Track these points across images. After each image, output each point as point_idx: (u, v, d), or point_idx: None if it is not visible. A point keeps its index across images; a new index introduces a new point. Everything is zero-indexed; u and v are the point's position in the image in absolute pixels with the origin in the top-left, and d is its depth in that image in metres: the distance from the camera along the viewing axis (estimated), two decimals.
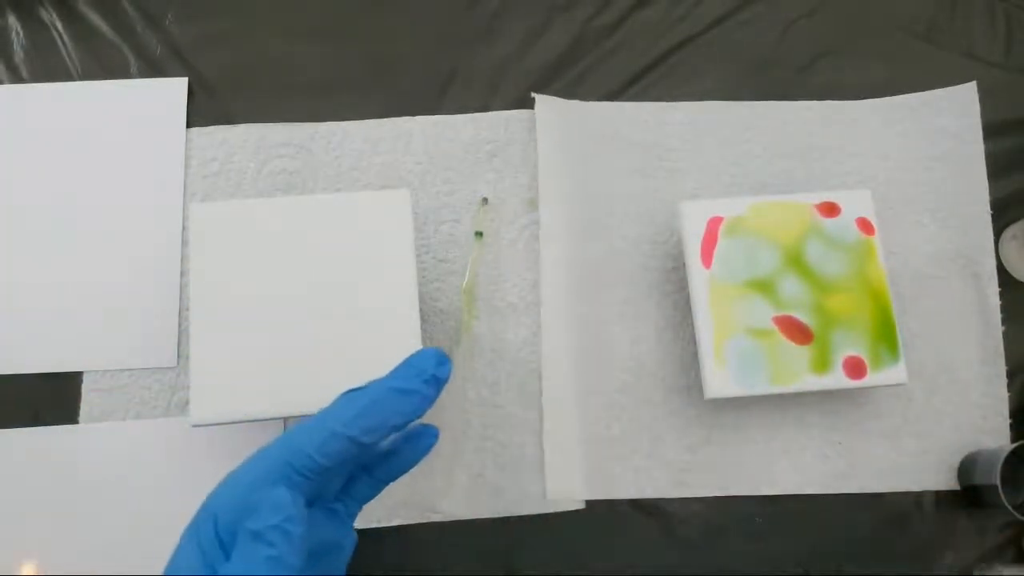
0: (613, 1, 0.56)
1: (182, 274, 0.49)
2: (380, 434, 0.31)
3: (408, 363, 0.33)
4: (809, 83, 0.54)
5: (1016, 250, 0.51)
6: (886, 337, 0.45)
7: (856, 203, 0.47)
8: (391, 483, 0.36)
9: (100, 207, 0.50)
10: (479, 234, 0.50)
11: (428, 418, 0.47)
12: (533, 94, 0.53)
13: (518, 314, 0.49)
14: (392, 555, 0.46)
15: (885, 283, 0.46)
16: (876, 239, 0.47)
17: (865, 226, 0.47)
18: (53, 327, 0.48)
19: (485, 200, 0.50)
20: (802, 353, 0.45)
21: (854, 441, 0.48)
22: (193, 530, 0.29)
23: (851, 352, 0.45)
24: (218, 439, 0.46)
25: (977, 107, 0.53)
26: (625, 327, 0.49)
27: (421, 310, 0.43)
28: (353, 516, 0.35)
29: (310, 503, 0.31)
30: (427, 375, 0.32)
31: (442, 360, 0.33)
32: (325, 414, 0.31)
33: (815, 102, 0.54)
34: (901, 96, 0.54)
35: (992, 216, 0.52)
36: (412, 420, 0.32)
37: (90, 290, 0.49)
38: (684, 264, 0.47)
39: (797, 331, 0.45)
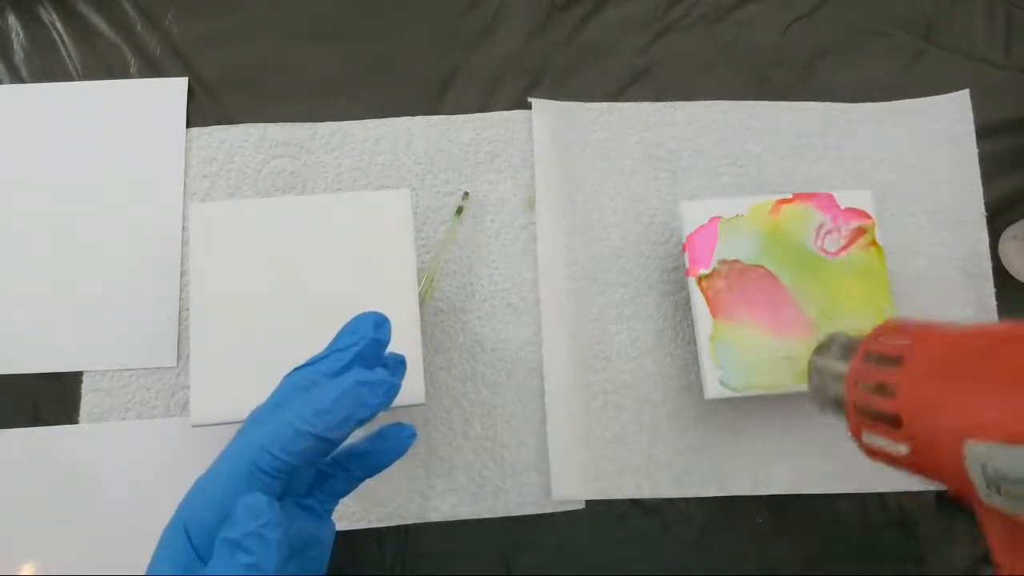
0: (612, 1, 0.56)
1: (182, 274, 0.49)
2: (347, 429, 0.30)
3: (347, 330, 0.33)
4: (808, 83, 0.55)
5: (1016, 250, 0.51)
6: None
7: (856, 203, 0.47)
8: (370, 479, 0.36)
9: (100, 207, 0.50)
10: (459, 211, 0.50)
11: (428, 417, 0.47)
12: (530, 99, 0.53)
13: (518, 314, 0.50)
14: (392, 555, 0.46)
15: (886, 282, 0.46)
16: (877, 235, 0.47)
17: (866, 221, 0.47)
18: (53, 327, 0.48)
19: (466, 194, 0.51)
20: (802, 353, 0.45)
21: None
22: (166, 542, 0.29)
23: None
24: (218, 439, 0.46)
25: (971, 113, 0.53)
26: (625, 327, 0.49)
27: (420, 310, 0.43)
28: (329, 512, 0.35)
29: (279, 498, 0.30)
30: (367, 339, 0.32)
31: (380, 322, 0.33)
32: (285, 409, 0.30)
33: (814, 103, 0.54)
34: (897, 102, 0.54)
35: (992, 215, 0.52)
36: (379, 412, 0.31)
37: (90, 290, 0.49)
38: (684, 264, 0.47)
39: (797, 331, 0.45)
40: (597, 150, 0.52)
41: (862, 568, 0.47)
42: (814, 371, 0.37)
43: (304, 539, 0.32)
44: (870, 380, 0.31)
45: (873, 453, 0.32)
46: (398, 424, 0.35)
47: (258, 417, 0.31)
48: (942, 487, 0.47)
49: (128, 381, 0.48)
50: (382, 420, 0.36)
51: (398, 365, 0.33)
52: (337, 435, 0.30)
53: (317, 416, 0.29)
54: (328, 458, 0.34)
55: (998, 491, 0.25)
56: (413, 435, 0.35)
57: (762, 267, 0.46)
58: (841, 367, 0.34)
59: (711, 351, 0.45)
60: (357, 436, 0.34)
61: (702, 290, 0.46)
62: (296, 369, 0.33)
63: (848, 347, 0.35)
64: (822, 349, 0.37)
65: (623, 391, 0.48)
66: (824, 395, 0.36)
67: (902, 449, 0.30)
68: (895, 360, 0.30)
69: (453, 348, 0.49)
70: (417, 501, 0.47)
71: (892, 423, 0.30)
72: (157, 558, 0.29)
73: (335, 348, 0.33)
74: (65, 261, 0.49)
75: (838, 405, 0.34)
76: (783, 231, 0.47)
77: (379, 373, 0.31)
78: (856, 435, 0.33)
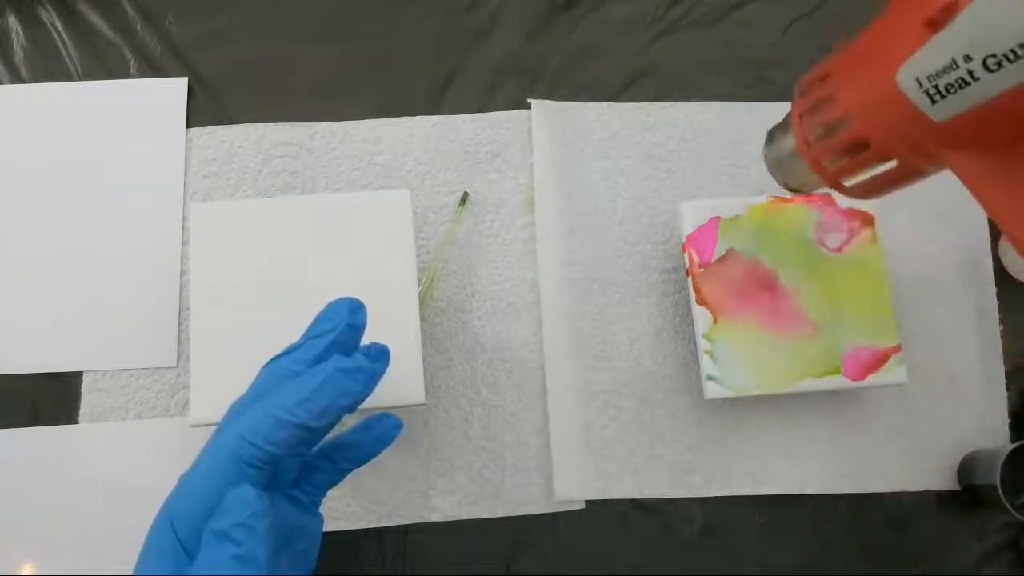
0: (612, 1, 0.56)
1: (182, 274, 0.49)
2: (329, 418, 0.30)
3: (322, 317, 0.34)
4: None
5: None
6: (886, 336, 0.45)
7: (857, 202, 0.47)
8: (364, 471, 0.36)
9: (100, 207, 0.50)
10: (464, 201, 0.50)
11: (428, 417, 0.47)
12: (529, 100, 0.53)
13: (518, 314, 0.50)
14: (392, 555, 0.46)
15: (886, 282, 0.46)
16: (877, 233, 0.47)
17: (865, 220, 0.47)
18: (53, 327, 0.48)
19: (466, 195, 0.51)
20: (802, 353, 0.45)
21: (854, 441, 0.48)
22: (152, 539, 0.29)
23: (851, 352, 0.45)
24: None
25: None
26: (625, 327, 0.49)
27: (420, 310, 0.43)
28: (317, 503, 0.35)
29: (265, 489, 0.30)
30: (342, 325, 0.33)
31: (355, 308, 0.33)
32: (265, 399, 0.30)
33: None
34: None
35: None
36: (361, 399, 0.31)
37: (90, 290, 0.49)
38: (684, 264, 0.47)
39: (797, 331, 0.45)
40: (597, 150, 0.52)
41: (862, 568, 0.47)
42: (773, 166, 0.38)
43: (292, 530, 0.32)
44: (818, 129, 0.33)
45: (867, 191, 0.34)
46: (384, 414, 0.35)
47: (238, 409, 0.31)
48: (941, 487, 0.47)
49: (128, 381, 0.48)
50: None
51: (380, 354, 0.33)
52: (320, 424, 0.30)
53: (298, 405, 0.29)
54: (314, 449, 0.34)
55: (941, 96, 0.26)
56: (399, 425, 0.35)
57: (762, 267, 0.46)
58: (790, 141, 0.36)
59: (711, 351, 0.45)
60: (344, 426, 0.34)
61: (702, 290, 0.46)
62: (273, 359, 0.33)
63: (787, 122, 0.37)
64: (767, 143, 0.38)
65: (623, 391, 0.48)
66: (795, 180, 0.37)
67: (887, 165, 0.32)
68: (828, 99, 0.32)
69: (453, 348, 0.49)
70: (417, 501, 0.47)
71: (861, 147, 0.31)
72: (144, 556, 0.29)
73: (311, 335, 0.33)
74: (65, 261, 0.49)
75: (810, 176, 0.36)
76: (783, 231, 0.47)
77: (358, 360, 0.31)
78: (839, 188, 0.34)
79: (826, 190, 0.36)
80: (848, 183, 0.34)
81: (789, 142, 0.36)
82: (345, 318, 0.33)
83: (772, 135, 0.38)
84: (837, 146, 0.32)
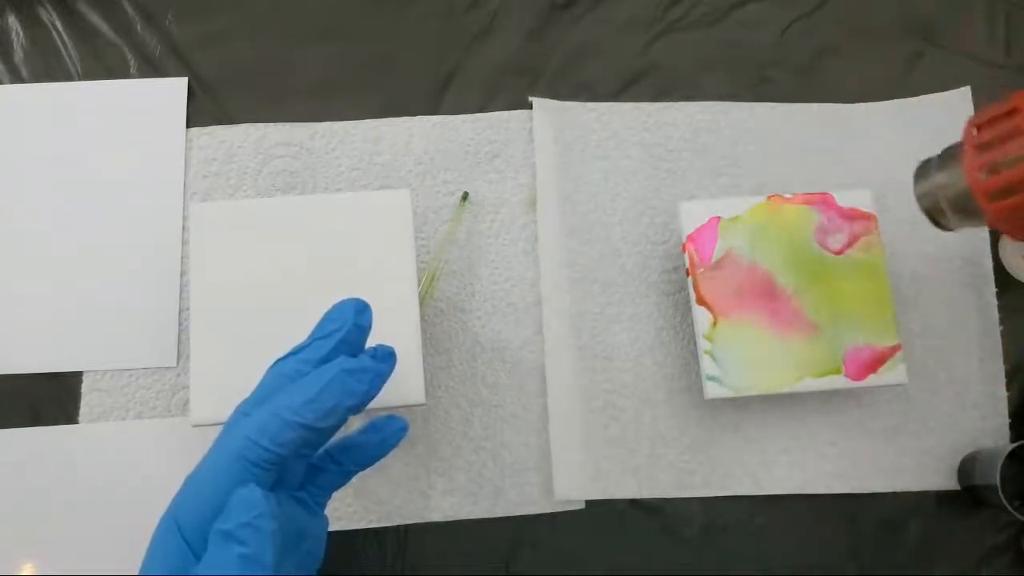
0: (612, 1, 0.56)
1: (182, 274, 0.49)
2: (336, 418, 0.30)
3: (328, 317, 0.34)
4: (808, 83, 0.54)
5: (1017, 250, 0.51)
6: (886, 336, 0.45)
7: (856, 203, 0.47)
8: (371, 479, 0.36)
9: (100, 207, 0.50)
10: (465, 197, 0.50)
11: (428, 417, 0.47)
12: (531, 98, 0.53)
13: (518, 314, 0.50)
14: (392, 554, 0.46)
15: (887, 282, 0.46)
16: (878, 235, 0.47)
17: (867, 222, 0.47)
18: (53, 327, 0.48)
19: (466, 195, 0.51)
20: (802, 353, 0.45)
21: (854, 441, 0.48)
22: (158, 539, 0.29)
23: (851, 352, 0.45)
24: None
25: (972, 110, 0.53)
26: (625, 327, 0.49)
27: (420, 310, 0.43)
28: (322, 505, 0.35)
29: (271, 490, 0.30)
30: (349, 325, 0.33)
31: (361, 308, 0.34)
32: (272, 400, 0.30)
33: (814, 104, 0.54)
34: (897, 100, 0.54)
35: None
36: (367, 400, 0.31)
37: (90, 290, 0.49)
38: (684, 264, 0.47)
39: (797, 331, 0.45)
40: (597, 150, 0.52)
41: (861, 568, 0.47)
42: (925, 198, 0.40)
43: (298, 532, 0.32)
44: (996, 163, 0.34)
45: None
46: (390, 416, 0.35)
47: (245, 409, 0.31)
48: (941, 487, 0.47)
49: (128, 381, 0.48)
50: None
51: (386, 355, 0.33)
52: (326, 424, 0.30)
53: (304, 406, 0.29)
54: (320, 451, 0.34)
55: None
56: (405, 427, 0.35)
57: (762, 267, 0.46)
58: (953, 175, 0.37)
59: (711, 351, 0.45)
60: (350, 428, 0.34)
61: (702, 290, 0.46)
62: (280, 359, 0.33)
63: (949, 155, 0.38)
64: (920, 177, 0.40)
65: (623, 391, 0.48)
66: (948, 216, 0.39)
67: None
68: (1016, 133, 0.33)
69: (453, 348, 0.49)
70: (417, 501, 0.47)
71: None
72: (150, 556, 0.29)
73: (317, 336, 0.33)
74: (65, 261, 0.49)
75: (957, 210, 0.38)
76: (783, 231, 0.47)
77: (364, 360, 0.31)
78: (999, 226, 0.35)
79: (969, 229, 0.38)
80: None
81: (951, 176, 0.37)
82: (351, 318, 0.33)
83: (926, 169, 0.39)
84: (1014, 181, 0.33)
